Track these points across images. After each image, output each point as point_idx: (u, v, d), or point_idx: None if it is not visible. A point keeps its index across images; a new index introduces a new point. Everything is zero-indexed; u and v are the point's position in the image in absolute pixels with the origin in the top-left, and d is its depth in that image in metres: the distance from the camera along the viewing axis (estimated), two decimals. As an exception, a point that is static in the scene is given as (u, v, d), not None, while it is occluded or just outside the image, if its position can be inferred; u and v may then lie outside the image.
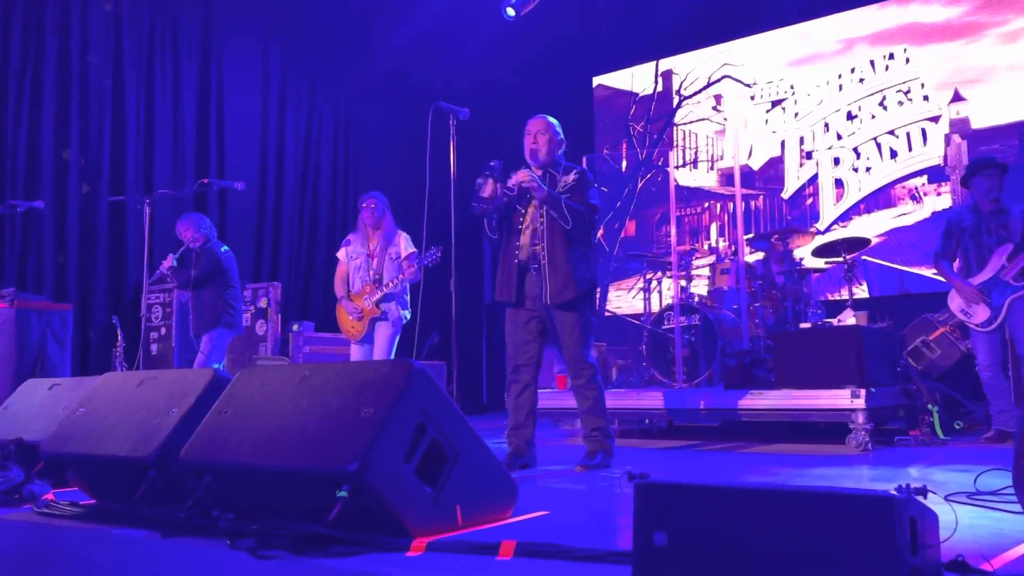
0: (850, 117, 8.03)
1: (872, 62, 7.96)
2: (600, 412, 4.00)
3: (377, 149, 9.84)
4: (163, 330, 7.22)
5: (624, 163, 9.45)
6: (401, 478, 2.14)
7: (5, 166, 6.85)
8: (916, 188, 7.62)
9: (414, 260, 4.97)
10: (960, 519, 2.15)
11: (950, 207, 7.30)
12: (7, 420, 3.56)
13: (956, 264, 5.03)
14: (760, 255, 6.56)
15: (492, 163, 3.85)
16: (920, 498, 1.46)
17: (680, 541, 1.51)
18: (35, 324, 5.16)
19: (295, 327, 7.37)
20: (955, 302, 4.93)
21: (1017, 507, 2.38)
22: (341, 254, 5.24)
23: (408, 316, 5.13)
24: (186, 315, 7.27)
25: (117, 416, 2.76)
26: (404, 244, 5.08)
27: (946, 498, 2.66)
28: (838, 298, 7.21)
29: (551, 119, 4.07)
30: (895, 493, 1.38)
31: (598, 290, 7.85)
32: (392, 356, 5.07)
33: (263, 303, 7.33)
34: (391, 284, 4.96)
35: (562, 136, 4.09)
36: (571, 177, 4.01)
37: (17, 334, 5.04)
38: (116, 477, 2.67)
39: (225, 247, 5.75)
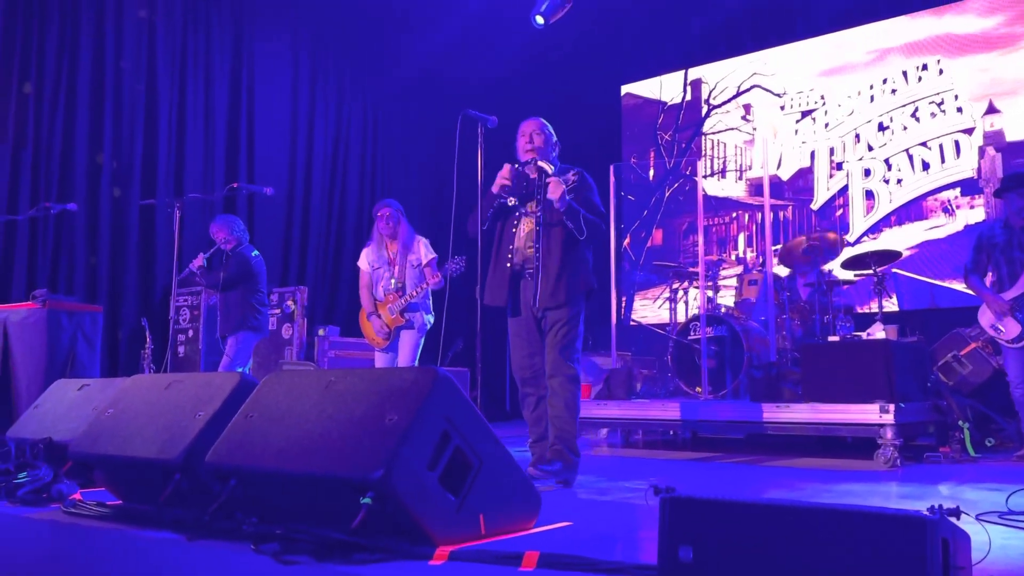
0: (881, 128, 7.95)
1: (904, 73, 7.88)
2: (569, 421, 3.75)
3: (405, 155, 9.90)
4: (191, 332, 7.30)
5: (651, 172, 9.42)
6: (425, 486, 2.13)
7: (40, 169, 6.96)
8: (949, 200, 7.52)
9: (435, 267, 4.97)
10: (992, 540, 2.10)
11: (982, 220, 7.20)
12: (37, 420, 3.60)
13: (988, 279, 4.95)
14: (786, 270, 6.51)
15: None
16: (953, 519, 1.43)
17: (706, 556, 1.49)
18: (66, 325, 5.22)
19: (320, 331, 7.41)
20: (985, 317, 4.86)
21: (1051, 529, 2.33)
22: (362, 263, 5.19)
23: (432, 321, 5.12)
24: (214, 317, 7.36)
25: (145, 418, 2.79)
26: (424, 250, 5.05)
27: (977, 517, 2.61)
28: (867, 311, 7.12)
29: (544, 120, 4.01)
30: (927, 513, 1.35)
31: (624, 299, 7.77)
32: (416, 362, 5.06)
33: (290, 306, 7.38)
34: (415, 293, 4.94)
35: (556, 138, 4.01)
36: (571, 178, 3.88)
37: (48, 334, 5.10)
38: (143, 478, 2.69)
39: (256, 251, 5.80)
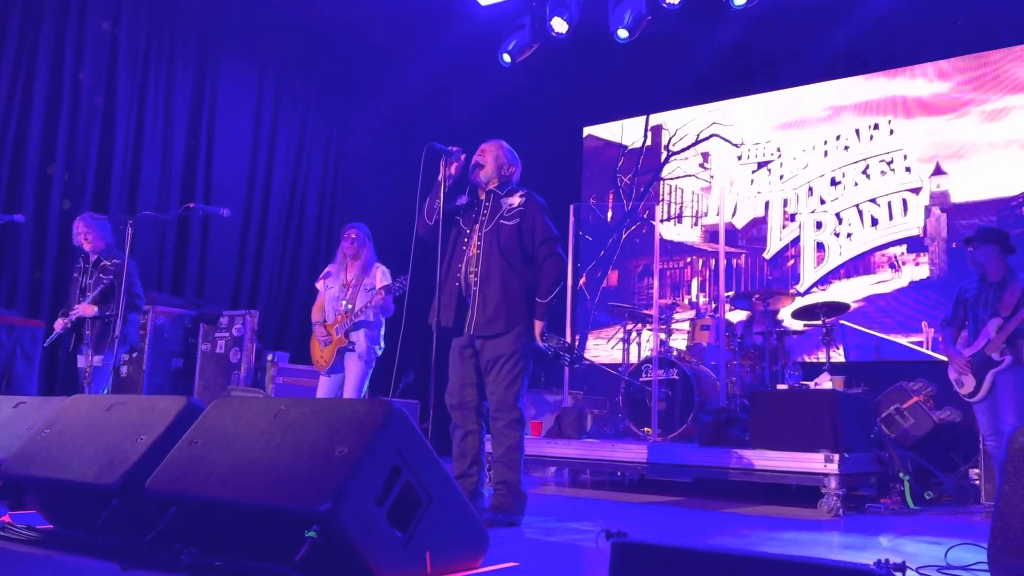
0: (834, 183, 8.16)
1: (857, 131, 8.12)
2: (511, 464, 3.66)
3: (366, 186, 9.86)
4: (135, 352, 7.11)
5: (610, 213, 9.52)
6: (372, 521, 2.09)
7: (-12, 177, 6.78)
8: (895, 257, 7.73)
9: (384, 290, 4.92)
10: (933, 594, 2.13)
11: (928, 276, 7.41)
12: (-32, 436, 3.46)
13: (965, 333, 5.08)
14: (742, 314, 6.61)
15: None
16: (898, 573, 1.44)
17: (655, 604, 1.48)
18: (4, 339, 5.06)
19: (270, 357, 7.28)
20: (951, 371, 5.00)
21: (989, 584, 2.37)
22: (320, 284, 5.20)
23: (380, 351, 5.05)
24: (161, 337, 7.18)
25: (83, 440, 2.70)
26: (380, 276, 5.00)
27: (918, 570, 2.65)
28: (814, 360, 7.24)
29: (503, 143, 3.94)
30: (874, 567, 1.36)
31: (577, 337, 7.77)
32: (364, 393, 4.99)
33: (240, 330, 7.24)
34: (360, 312, 4.90)
35: (511, 162, 3.90)
36: (516, 200, 3.78)
37: (-15, 348, 4.94)
38: (77, 503, 2.60)
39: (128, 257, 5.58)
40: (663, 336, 6.51)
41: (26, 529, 2.60)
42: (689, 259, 8.95)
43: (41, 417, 3.15)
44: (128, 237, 5.33)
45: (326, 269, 5.24)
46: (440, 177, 3.79)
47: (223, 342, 7.24)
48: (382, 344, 5.07)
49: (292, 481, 2.13)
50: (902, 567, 1.42)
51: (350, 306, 4.94)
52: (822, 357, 5.83)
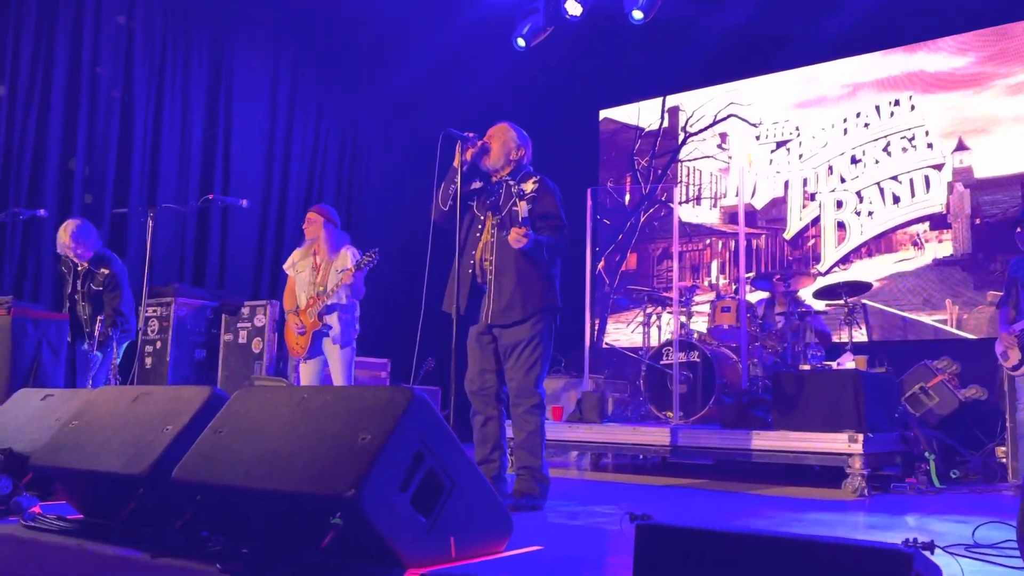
0: (854, 161, 8.07)
1: (877, 108, 8.01)
2: (533, 449, 3.65)
3: (382, 174, 9.87)
4: (158, 344, 7.18)
5: (627, 196, 9.48)
6: (396, 507, 2.10)
7: (10, 173, 6.83)
8: (918, 234, 7.64)
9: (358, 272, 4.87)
10: (964, 573, 2.12)
11: (952, 254, 7.32)
12: (-2, 429, 3.51)
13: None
14: (763, 295, 6.57)
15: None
16: (927, 552, 1.43)
17: (681, 586, 1.48)
18: (31, 333, 5.11)
19: (291, 347, 7.31)
20: (997, 346, 5.07)
21: (1018, 561, 2.35)
22: (287, 267, 5.14)
23: (357, 333, 5.00)
24: (184, 328, 7.24)
25: (110, 431, 2.73)
26: (350, 257, 4.91)
27: (945, 549, 2.63)
28: (837, 340, 7.19)
29: (511, 125, 3.89)
30: (903, 547, 1.35)
31: (596, 321, 7.76)
32: (352, 379, 4.96)
33: (260, 320, 7.28)
34: (332, 293, 4.83)
35: (520, 144, 3.86)
36: (529, 187, 3.75)
37: (12, 342, 4.99)
38: (106, 493, 2.63)
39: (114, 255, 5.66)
40: (683, 319, 6.48)
41: (56, 519, 2.64)
42: (708, 241, 8.90)
43: (69, 409, 3.19)
44: (148, 230, 5.40)
45: (291, 255, 5.17)
46: (456, 163, 3.79)
47: (245, 332, 7.30)
48: (357, 327, 5.03)
49: (316, 468, 2.14)
50: (931, 546, 1.41)
51: (321, 288, 4.90)
52: (844, 337, 5.78)
